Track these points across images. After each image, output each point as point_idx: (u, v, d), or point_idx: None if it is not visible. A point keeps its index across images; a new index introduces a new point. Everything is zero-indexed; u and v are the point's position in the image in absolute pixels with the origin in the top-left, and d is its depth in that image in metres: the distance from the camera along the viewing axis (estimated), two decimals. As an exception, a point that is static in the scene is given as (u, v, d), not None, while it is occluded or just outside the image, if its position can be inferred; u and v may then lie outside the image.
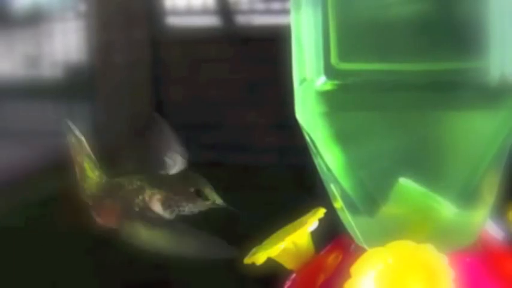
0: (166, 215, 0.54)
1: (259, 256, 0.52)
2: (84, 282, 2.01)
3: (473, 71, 0.47)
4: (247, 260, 0.52)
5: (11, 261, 2.04)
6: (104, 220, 0.57)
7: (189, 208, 0.54)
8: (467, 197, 0.49)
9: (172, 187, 0.55)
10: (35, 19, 3.52)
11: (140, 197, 0.55)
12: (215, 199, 0.54)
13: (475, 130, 0.48)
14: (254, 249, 0.53)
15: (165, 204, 0.54)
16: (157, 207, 0.54)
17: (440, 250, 0.47)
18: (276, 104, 2.82)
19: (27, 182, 2.65)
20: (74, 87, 3.33)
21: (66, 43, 3.44)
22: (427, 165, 0.49)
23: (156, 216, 0.55)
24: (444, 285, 0.46)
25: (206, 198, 0.53)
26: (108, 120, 3.19)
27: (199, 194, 0.53)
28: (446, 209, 0.49)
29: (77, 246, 2.04)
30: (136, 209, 0.55)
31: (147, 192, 0.55)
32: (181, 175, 0.55)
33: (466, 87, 0.47)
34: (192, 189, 0.53)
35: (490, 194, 0.50)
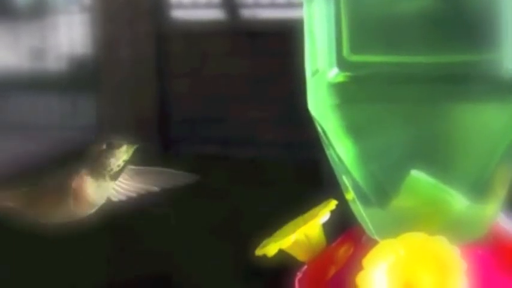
0: (103, 183, 0.57)
1: (271, 248, 0.52)
2: (83, 278, 2.01)
3: (485, 63, 0.47)
4: (258, 252, 0.53)
5: (14, 254, 2.05)
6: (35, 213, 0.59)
7: (114, 163, 0.56)
8: (479, 189, 0.49)
9: (91, 159, 0.57)
10: (40, 12, 3.52)
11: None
12: (125, 143, 0.56)
13: (487, 123, 0.48)
14: (265, 241, 0.54)
15: (94, 175, 0.56)
16: (89, 183, 0.56)
17: (451, 242, 0.47)
18: (281, 98, 2.82)
19: (30, 175, 2.65)
20: (79, 81, 3.33)
21: (71, 36, 3.44)
22: (439, 158, 0.49)
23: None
24: (456, 277, 0.46)
25: (119, 145, 0.55)
26: (112, 114, 3.19)
27: (112, 146, 0.55)
28: (457, 201, 0.49)
29: (77, 241, 2.04)
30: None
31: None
32: (92, 144, 0.57)
33: (478, 80, 0.47)
34: (104, 146, 0.55)
35: (502, 187, 0.50)
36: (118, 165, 0.58)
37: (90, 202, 0.57)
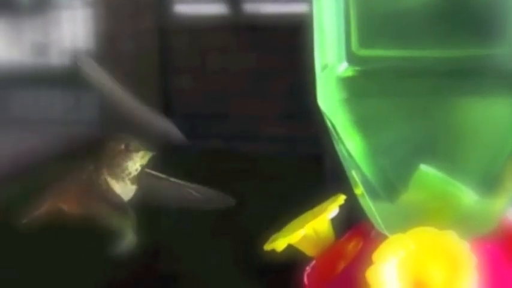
0: (124, 186, 0.56)
1: (280, 243, 0.52)
2: (89, 272, 2.01)
3: (494, 57, 0.47)
4: (267, 247, 0.52)
5: (18, 248, 2.05)
6: (69, 207, 0.58)
7: (132, 167, 0.55)
8: (488, 184, 0.49)
9: (108, 156, 0.56)
10: (42, 7, 3.51)
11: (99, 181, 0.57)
12: (143, 149, 0.55)
13: (495, 117, 0.48)
14: (274, 236, 0.54)
15: (112, 175, 0.55)
16: (113, 184, 0.55)
17: (461, 237, 0.47)
18: (285, 93, 2.81)
19: (35, 170, 2.65)
20: (82, 76, 3.32)
21: (73, 31, 3.44)
22: (448, 152, 0.49)
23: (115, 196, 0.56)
24: (466, 271, 0.46)
25: (137, 149, 0.54)
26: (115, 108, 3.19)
27: (129, 148, 0.54)
28: (466, 196, 0.49)
29: (84, 236, 2.04)
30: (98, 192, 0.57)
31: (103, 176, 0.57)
32: (108, 141, 0.56)
33: (486, 74, 0.47)
34: (122, 146, 0.54)
35: (511, 181, 0.50)
36: (136, 169, 0.57)
37: (116, 202, 0.56)
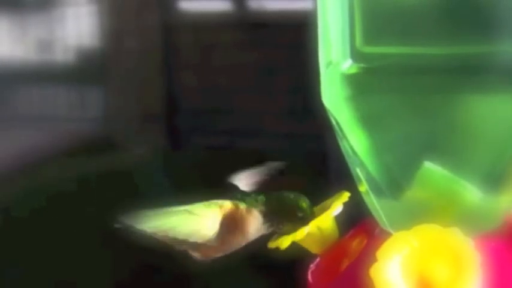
0: (262, 229, 0.54)
1: (284, 240, 0.52)
2: (95, 269, 2.02)
3: (498, 54, 0.47)
4: (271, 244, 0.52)
5: (20, 247, 2.05)
6: (204, 255, 0.56)
7: (287, 229, 0.53)
8: (492, 181, 0.49)
9: (282, 208, 0.54)
10: (47, 4, 3.51)
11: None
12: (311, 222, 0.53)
13: (501, 114, 0.48)
14: (278, 233, 0.53)
15: (266, 218, 0.53)
16: (256, 218, 0.53)
17: (465, 234, 0.47)
18: (288, 90, 2.81)
19: (38, 167, 2.65)
20: (86, 73, 3.33)
21: (78, 28, 3.44)
22: (452, 149, 0.49)
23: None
24: (471, 269, 0.46)
25: (306, 224, 0.52)
26: (119, 105, 3.19)
27: (303, 219, 0.53)
28: (471, 193, 0.49)
29: (86, 237, 2.04)
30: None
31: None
32: (290, 197, 0.54)
33: (492, 71, 0.47)
34: (301, 215, 0.53)
35: (516, 179, 0.50)
36: (282, 231, 0.54)
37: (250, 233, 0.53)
